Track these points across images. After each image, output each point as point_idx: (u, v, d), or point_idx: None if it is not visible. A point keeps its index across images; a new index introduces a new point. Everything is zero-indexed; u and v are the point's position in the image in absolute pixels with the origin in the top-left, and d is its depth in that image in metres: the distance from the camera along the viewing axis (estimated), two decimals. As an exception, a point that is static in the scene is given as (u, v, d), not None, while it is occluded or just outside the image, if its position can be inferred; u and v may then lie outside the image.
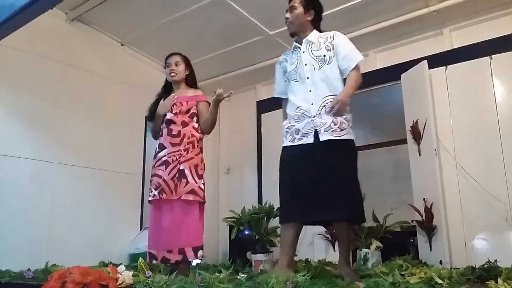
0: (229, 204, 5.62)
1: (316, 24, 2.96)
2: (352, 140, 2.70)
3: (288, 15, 2.91)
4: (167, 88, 3.45)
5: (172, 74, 3.34)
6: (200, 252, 3.01)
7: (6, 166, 3.92)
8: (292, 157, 2.71)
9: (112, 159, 4.83)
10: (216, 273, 2.40)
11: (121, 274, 2.43)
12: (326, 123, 2.65)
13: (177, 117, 3.22)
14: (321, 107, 2.71)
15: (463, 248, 4.10)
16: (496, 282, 2.37)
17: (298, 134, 2.71)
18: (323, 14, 3.01)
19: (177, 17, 4.65)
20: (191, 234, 3.01)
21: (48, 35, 4.42)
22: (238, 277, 2.30)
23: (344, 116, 2.69)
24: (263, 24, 4.83)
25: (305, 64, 2.82)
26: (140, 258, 2.76)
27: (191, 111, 3.25)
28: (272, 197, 4.95)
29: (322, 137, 2.63)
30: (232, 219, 4.80)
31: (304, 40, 2.89)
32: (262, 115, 6.06)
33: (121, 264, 3.07)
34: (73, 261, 2.67)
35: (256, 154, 5.92)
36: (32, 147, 4.16)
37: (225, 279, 2.23)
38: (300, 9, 2.86)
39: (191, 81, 3.44)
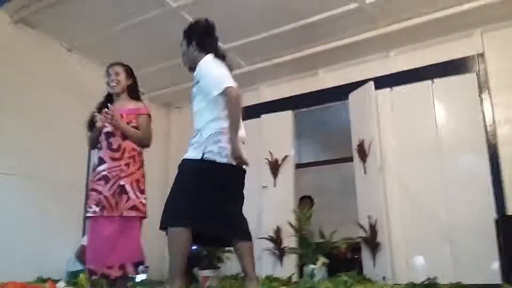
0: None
1: (208, 49, 2.78)
2: (189, 159, 2.59)
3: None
4: (108, 99, 3.28)
5: (112, 84, 3.20)
6: (141, 267, 2.96)
7: None
8: None
9: (54, 170, 4.60)
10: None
11: (59, 291, 2.30)
12: None
13: (117, 130, 3.10)
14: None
15: (405, 264, 4.24)
16: (436, 298, 2.45)
17: None
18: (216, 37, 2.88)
19: (129, 25, 4.55)
20: (131, 249, 2.94)
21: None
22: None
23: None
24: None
25: None
26: (82, 274, 2.63)
27: (131, 125, 3.10)
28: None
29: None
30: (179, 234, 4.68)
31: None
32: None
33: (60, 280, 2.92)
34: (7, 277, 2.50)
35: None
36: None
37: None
38: (184, 43, 2.85)
39: (133, 92, 3.27)
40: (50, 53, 4.83)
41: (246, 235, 2.60)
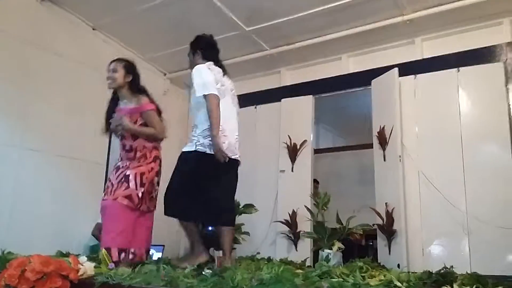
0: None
1: (210, 58, 3.31)
2: (185, 151, 3.07)
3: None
4: (115, 95, 3.32)
5: (107, 82, 3.22)
6: (122, 255, 2.91)
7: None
8: None
9: (77, 147, 4.69)
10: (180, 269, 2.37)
11: (82, 265, 2.36)
12: None
13: (127, 131, 3.15)
14: None
15: (420, 253, 4.24)
16: (452, 287, 2.44)
17: None
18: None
19: (153, 6, 4.55)
20: (113, 234, 2.94)
21: (17, 14, 4.24)
22: (203, 272, 2.28)
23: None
24: (240, 20, 4.81)
25: None
26: (103, 249, 2.69)
27: (138, 123, 3.16)
28: (238, 195, 4.97)
29: None
30: (196, 215, 4.74)
31: None
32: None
33: (79, 254, 3.00)
34: (30, 249, 2.56)
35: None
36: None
37: (189, 274, 2.21)
38: (190, 53, 3.45)
39: (134, 88, 3.26)
40: (75, 31, 4.87)
41: (229, 222, 3.18)
